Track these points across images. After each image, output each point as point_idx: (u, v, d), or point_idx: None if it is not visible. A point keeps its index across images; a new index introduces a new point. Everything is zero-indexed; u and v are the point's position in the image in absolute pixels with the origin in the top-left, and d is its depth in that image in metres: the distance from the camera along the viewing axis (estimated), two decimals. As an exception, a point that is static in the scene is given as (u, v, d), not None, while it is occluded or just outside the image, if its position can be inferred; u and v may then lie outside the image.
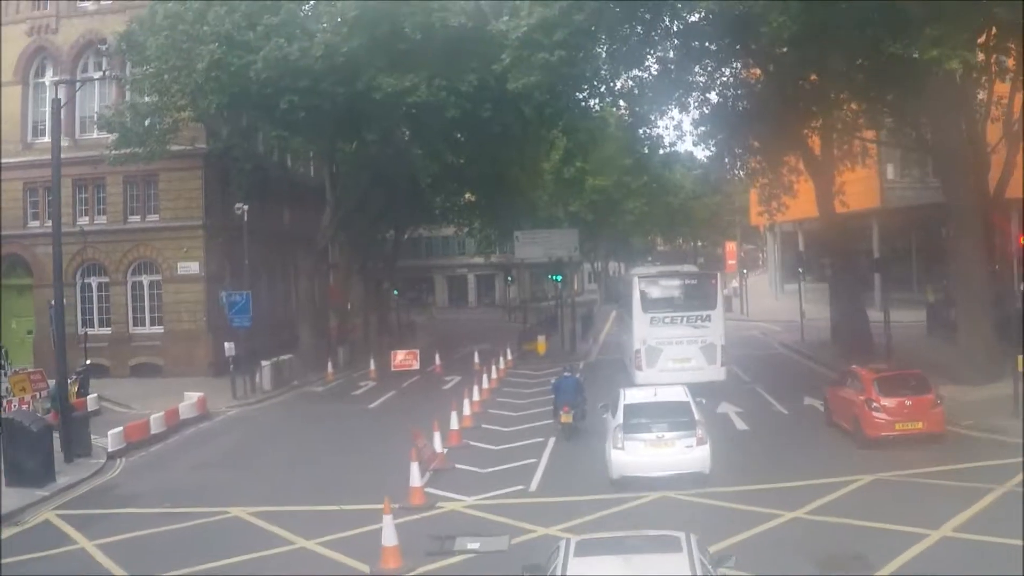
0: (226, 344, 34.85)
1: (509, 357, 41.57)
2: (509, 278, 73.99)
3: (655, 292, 31.21)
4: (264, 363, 36.91)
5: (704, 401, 22.29)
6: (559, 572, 9.26)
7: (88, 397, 31.17)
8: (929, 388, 22.73)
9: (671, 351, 29.65)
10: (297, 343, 43.99)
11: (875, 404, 22.23)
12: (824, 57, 29.15)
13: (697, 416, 19.40)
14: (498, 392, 34.39)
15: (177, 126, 38.19)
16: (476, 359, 40.04)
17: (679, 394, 20.21)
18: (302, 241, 48.07)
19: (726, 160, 43.30)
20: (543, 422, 27.12)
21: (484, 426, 27.81)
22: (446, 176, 56.53)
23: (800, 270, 50.17)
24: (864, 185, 59.20)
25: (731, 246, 75.79)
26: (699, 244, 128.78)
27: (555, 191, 79.10)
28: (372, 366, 40.47)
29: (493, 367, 37.74)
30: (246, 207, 37.07)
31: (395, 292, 60.86)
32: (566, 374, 25.81)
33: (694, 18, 32.60)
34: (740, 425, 26.17)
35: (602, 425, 22.08)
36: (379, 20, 33.93)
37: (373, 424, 29.57)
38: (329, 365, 41.04)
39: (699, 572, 8.97)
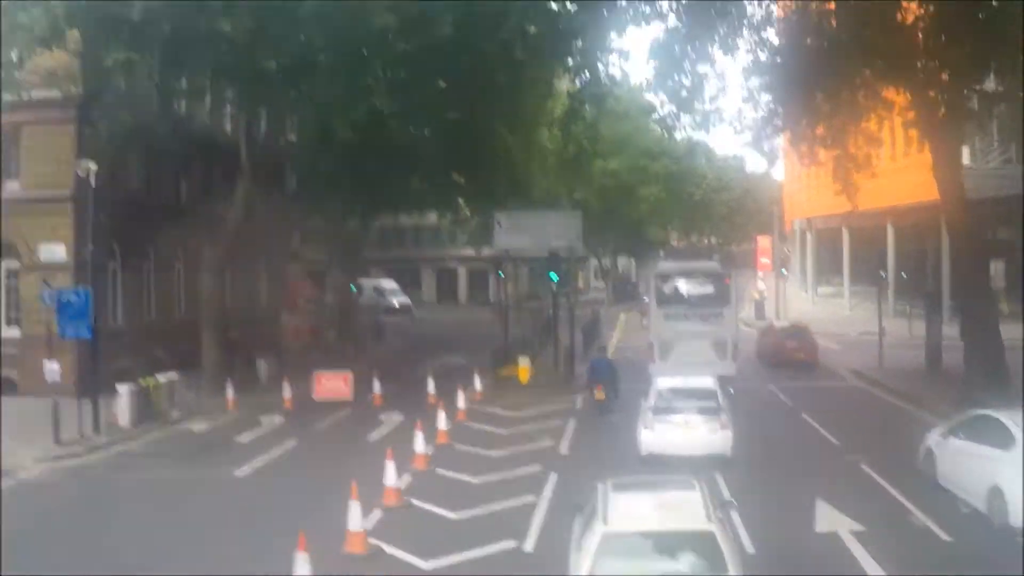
0: (47, 365, 24.04)
1: (478, 387, 30.47)
2: (500, 273, 62.70)
3: (670, 288, 31.85)
4: (121, 388, 25.93)
5: (732, 391, 24.52)
6: (600, 506, 11.02)
7: None
8: None
9: (683, 346, 30.09)
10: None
11: None
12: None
13: (722, 402, 20.81)
14: (446, 454, 22.29)
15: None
16: (431, 389, 29.14)
17: (707, 382, 21.87)
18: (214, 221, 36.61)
19: (777, 123, 31.77)
20: (511, 520, 16.50)
21: (407, 523, 16.77)
22: (419, 145, 46.20)
23: (883, 274, 38.62)
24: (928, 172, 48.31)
25: (764, 241, 64.21)
26: (713, 241, 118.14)
27: (559, 174, 68.29)
28: (287, 393, 29.46)
29: (456, 398, 27.30)
30: (93, 167, 25.73)
31: (352, 288, 49.90)
32: (599, 355, 29.65)
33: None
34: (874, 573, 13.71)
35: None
36: None
37: (228, 513, 17.85)
38: (229, 389, 29.96)
39: (709, 505, 11.08)
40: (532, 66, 32.03)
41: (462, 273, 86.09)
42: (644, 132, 71.73)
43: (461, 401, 26.48)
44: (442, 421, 23.99)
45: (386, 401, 28.99)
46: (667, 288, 31.90)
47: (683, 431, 20.05)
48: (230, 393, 29.87)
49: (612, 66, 32.70)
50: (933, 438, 18.30)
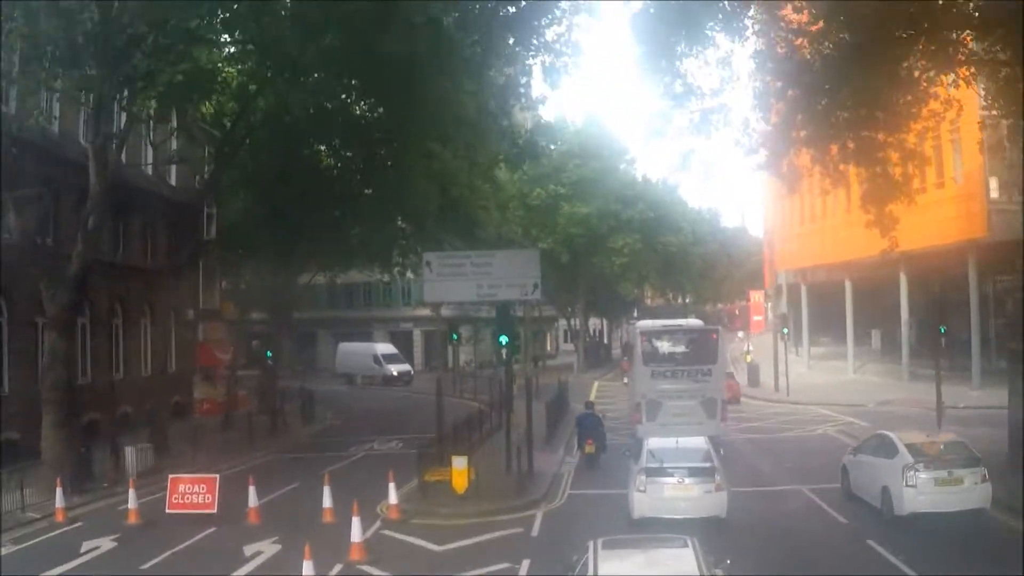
0: None
1: (393, 500, 21.31)
2: (453, 336, 54.56)
3: (657, 346, 30.42)
4: None
5: (723, 452, 22.65)
6: (591, 565, 10.75)
7: None
8: None
9: (672, 405, 28.79)
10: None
11: None
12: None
13: (716, 463, 19.87)
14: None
15: None
16: (327, 500, 20.51)
17: (700, 442, 21.28)
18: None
19: (797, 134, 24.06)
20: None
21: None
22: (354, 185, 38.74)
23: (942, 332, 30.44)
24: (954, 210, 41.25)
25: (756, 297, 56.58)
26: (687, 300, 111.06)
27: (523, 222, 60.91)
28: (132, 503, 20.98)
29: (366, 515, 19.25)
30: None
31: (268, 354, 41.68)
32: (587, 411, 29.31)
33: None
34: None
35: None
36: None
37: None
38: (58, 495, 21.49)
39: (703, 564, 10.80)
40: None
41: (417, 336, 77.63)
42: (616, 174, 64.58)
43: (356, 532, 17.23)
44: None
45: (264, 518, 20.44)
46: (653, 346, 30.40)
47: (676, 493, 19.29)
48: (59, 500, 21.52)
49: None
50: (847, 457, 22.52)
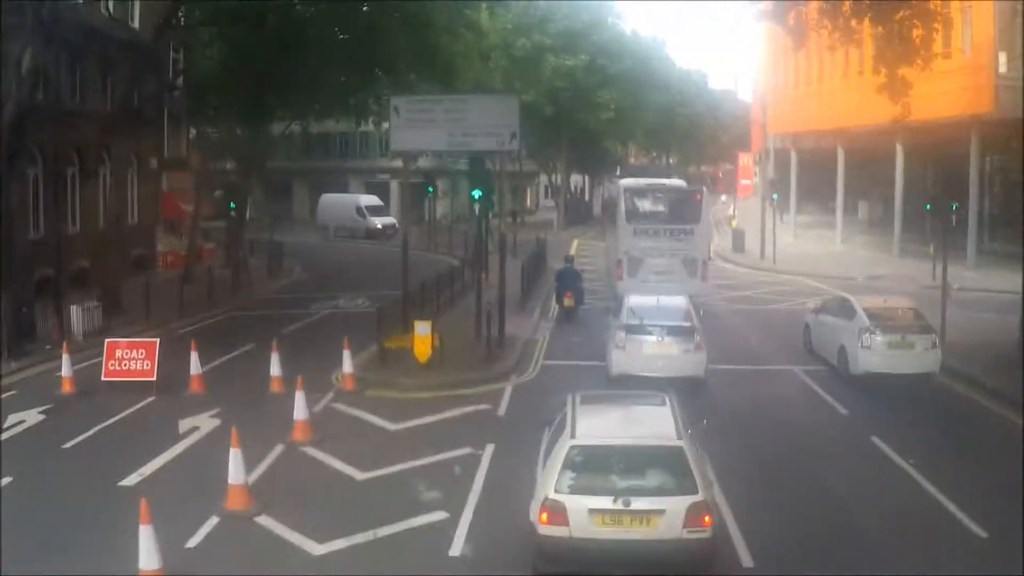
0: None
1: (348, 369, 19.48)
2: (429, 189, 52.39)
3: (640, 203, 30.38)
4: None
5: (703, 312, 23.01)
6: (568, 420, 10.78)
7: None
8: None
9: (653, 262, 28.73)
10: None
11: None
12: None
13: (697, 323, 19.81)
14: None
15: None
16: (276, 367, 18.83)
17: (681, 302, 21.03)
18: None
19: None
20: None
21: None
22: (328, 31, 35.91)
23: (953, 208, 28.13)
24: (960, 81, 38.85)
25: (745, 160, 54.46)
26: (672, 161, 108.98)
27: (506, 74, 58.05)
28: (66, 370, 19.08)
29: (316, 382, 18.30)
30: None
31: (231, 205, 39.49)
32: (567, 265, 29.82)
33: None
34: None
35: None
36: None
37: None
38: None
39: (680, 422, 10.81)
40: None
41: (394, 188, 75.22)
42: (603, 27, 61.37)
43: (300, 409, 15.62)
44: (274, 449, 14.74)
45: (209, 386, 18.88)
46: (637, 203, 30.38)
47: (655, 351, 19.10)
48: (-3, 363, 19.94)
49: None
50: (809, 316, 23.90)
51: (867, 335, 19.67)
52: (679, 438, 10.33)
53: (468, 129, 23.00)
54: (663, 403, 11.42)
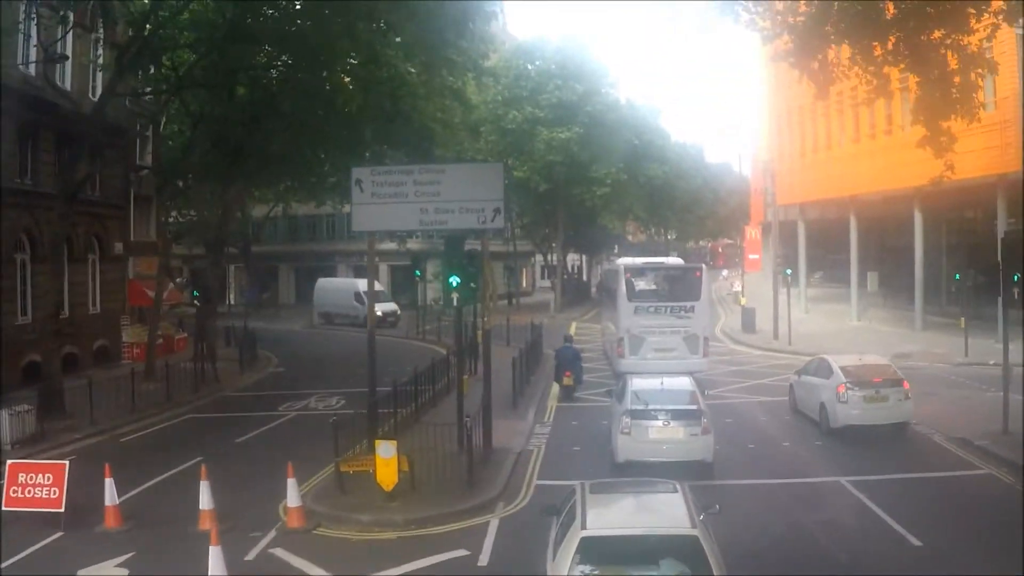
0: None
1: (293, 502, 15.31)
2: (417, 272, 48.97)
3: (640, 282, 30.79)
4: None
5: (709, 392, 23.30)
6: (578, 510, 10.33)
7: None
8: None
9: (655, 340, 29.16)
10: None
11: None
12: None
13: (703, 406, 19.31)
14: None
15: None
16: (206, 500, 15.01)
17: (686, 383, 20.51)
18: None
19: (832, 29, 18.75)
20: None
21: None
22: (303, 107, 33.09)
23: (1015, 280, 24.58)
24: (983, 139, 35.98)
25: (753, 233, 51.40)
26: (671, 237, 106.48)
27: (497, 148, 55.55)
28: None
29: (263, 518, 15.39)
30: None
31: (195, 293, 36.26)
32: (567, 344, 29.53)
33: None
34: None
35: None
36: None
37: None
38: None
39: (692, 509, 10.40)
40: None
41: (384, 271, 72.17)
42: (598, 97, 58.93)
43: (217, 564, 11.97)
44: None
45: (128, 519, 15.34)
46: (637, 282, 30.89)
47: (661, 436, 18.70)
48: None
49: None
50: (792, 377, 26.09)
51: (844, 391, 21.41)
52: (693, 526, 9.95)
53: (443, 205, 19.52)
54: (675, 490, 11.20)
